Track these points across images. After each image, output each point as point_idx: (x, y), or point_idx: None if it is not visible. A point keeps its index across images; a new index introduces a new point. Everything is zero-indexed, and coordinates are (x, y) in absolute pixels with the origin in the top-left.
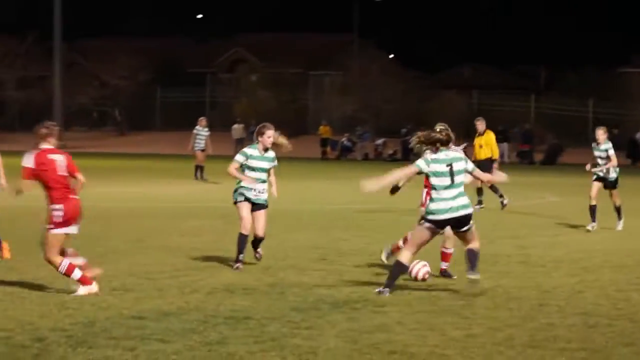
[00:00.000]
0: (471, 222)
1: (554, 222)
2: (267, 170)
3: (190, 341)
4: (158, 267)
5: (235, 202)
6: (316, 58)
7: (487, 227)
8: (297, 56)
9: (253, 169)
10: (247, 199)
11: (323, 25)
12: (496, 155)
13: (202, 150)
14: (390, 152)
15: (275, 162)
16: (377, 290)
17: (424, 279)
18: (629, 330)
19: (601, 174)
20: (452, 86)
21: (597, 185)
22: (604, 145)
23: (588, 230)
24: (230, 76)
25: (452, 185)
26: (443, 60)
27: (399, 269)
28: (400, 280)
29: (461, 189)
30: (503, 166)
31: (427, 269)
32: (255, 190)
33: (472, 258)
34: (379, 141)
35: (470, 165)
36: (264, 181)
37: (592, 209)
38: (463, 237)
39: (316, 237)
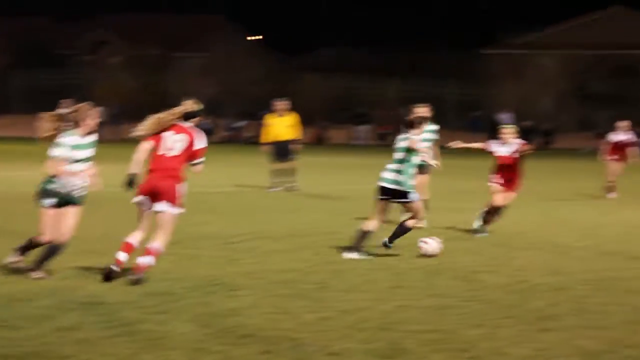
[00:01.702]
0: (405, 198)
1: None
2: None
3: (41, 327)
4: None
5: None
6: (180, 39)
7: (352, 210)
8: (160, 37)
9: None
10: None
11: (188, 6)
12: (301, 136)
13: None
14: (249, 134)
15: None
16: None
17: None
18: (480, 312)
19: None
20: (317, 68)
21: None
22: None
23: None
24: (93, 58)
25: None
26: (308, 42)
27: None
28: (255, 265)
29: (400, 165)
30: (367, 148)
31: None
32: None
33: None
34: (240, 124)
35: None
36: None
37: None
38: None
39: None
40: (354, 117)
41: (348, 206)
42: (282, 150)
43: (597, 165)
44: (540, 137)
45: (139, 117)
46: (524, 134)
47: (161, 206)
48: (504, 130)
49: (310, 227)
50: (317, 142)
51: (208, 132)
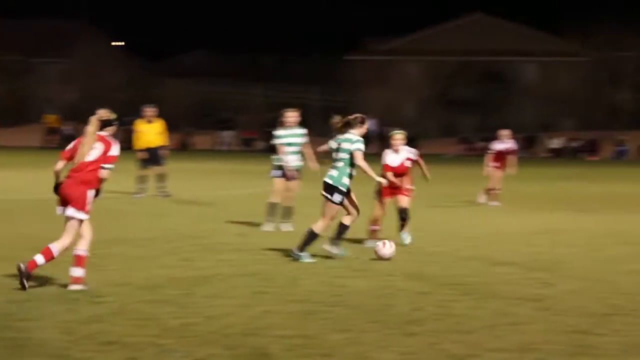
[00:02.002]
0: (330, 194)
1: None
2: None
3: None
4: None
5: None
6: (41, 45)
7: (208, 216)
8: (20, 43)
9: None
10: None
11: (49, 11)
12: (168, 142)
13: None
14: None
15: None
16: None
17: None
18: (345, 316)
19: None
20: (180, 74)
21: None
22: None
23: None
24: None
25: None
26: (172, 47)
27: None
28: (120, 272)
29: (338, 163)
30: (232, 153)
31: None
32: None
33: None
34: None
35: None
36: None
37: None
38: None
39: (27, 228)
40: (218, 122)
41: (213, 212)
42: (152, 157)
43: (460, 170)
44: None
45: (1, 123)
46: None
47: (69, 211)
48: (395, 137)
49: (175, 232)
50: (181, 148)
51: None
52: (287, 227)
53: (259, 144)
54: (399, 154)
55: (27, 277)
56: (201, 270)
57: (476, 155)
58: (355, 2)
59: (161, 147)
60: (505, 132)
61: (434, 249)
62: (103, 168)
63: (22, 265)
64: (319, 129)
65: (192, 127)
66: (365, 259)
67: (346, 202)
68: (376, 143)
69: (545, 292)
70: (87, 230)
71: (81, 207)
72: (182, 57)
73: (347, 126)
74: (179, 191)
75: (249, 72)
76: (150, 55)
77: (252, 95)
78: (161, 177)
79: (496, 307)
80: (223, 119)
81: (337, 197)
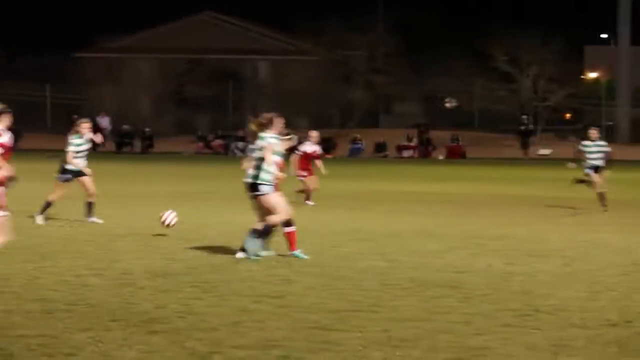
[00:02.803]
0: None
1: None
2: None
3: None
4: None
5: None
6: None
7: None
8: None
9: None
10: None
11: None
12: None
13: None
14: None
15: None
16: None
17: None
18: (87, 315)
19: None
20: None
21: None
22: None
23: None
24: None
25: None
26: None
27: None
28: None
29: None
30: None
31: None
32: None
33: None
34: None
35: None
36: None
37: None
38: None
39: None
40: None
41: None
42: None
43: (198, 169)
44: (141, 140)
45: None
46: (124, 137)
47: None
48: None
49: None
50: None
51: None
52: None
53: None
54: None
55: None
56: None
57: (213, 153)
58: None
59: None
60: (314, 134)
61: (177, 247)
62: None
63: None
64: (55, 127)
65: None
66: (103, 256)
67: None
68: (111, 140)
69: (286, 289)
70: None
71: None
72: None
73: (269, 125)
74: None
75: None
76: None
77: None
78: None
79: (239, 305)
80: None
81: (265, 188)
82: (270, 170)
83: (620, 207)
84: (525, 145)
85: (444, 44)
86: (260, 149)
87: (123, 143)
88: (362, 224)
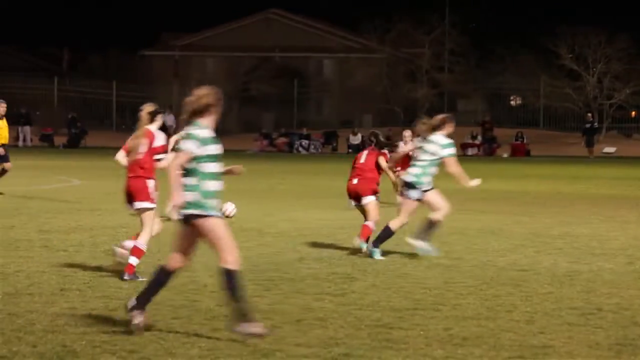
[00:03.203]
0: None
1: (76, 206)
2: None
3: None
4: None
5: None
6: None
7: (8, 212)
8: None
9: None
10: None
11: None
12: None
13: None
14: None
15: None
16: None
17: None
18: (150, 312)
19: None
20: None
21: None
22: None
23: None
24: None
25: None
26: None
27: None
28: None
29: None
30: (25, 149)
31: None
32: None
33: None
34: None
35: None
36: None
37: None
38: None
39: None
40: (16, 117)
41: (13, 207)
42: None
43: (262, 166)
44: None
45: None
46: None
47: None
48: None
49: None
50: None
51: None
52: None
53: (58, 140)
54: None
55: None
56: (1, 268)
57: (277, 151)
58: None
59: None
60: (408, 133)
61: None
62: None
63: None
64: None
65: None
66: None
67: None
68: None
69: (348, 287)
70: None
71: None
72: None
73: (435, 129)
74: None
75: (45, 66)
76: None
77: (48, 91)
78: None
79: (300, 303)
80: (21, 114)
81: (413, 194)
82: (432, 172)
83: None
84: (590, 144)
85: (508, 41)
86: (428, 150)
87: None
88: None
